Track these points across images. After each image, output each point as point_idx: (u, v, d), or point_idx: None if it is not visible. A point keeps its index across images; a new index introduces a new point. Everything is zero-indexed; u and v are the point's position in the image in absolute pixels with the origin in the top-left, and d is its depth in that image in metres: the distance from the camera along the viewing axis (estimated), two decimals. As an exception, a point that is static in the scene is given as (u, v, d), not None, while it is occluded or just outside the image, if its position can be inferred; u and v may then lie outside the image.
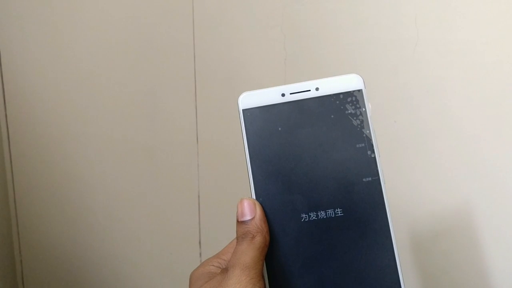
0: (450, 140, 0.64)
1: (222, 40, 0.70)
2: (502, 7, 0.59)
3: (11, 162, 0.78)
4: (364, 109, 0.33)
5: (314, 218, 0.32)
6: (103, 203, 0.79)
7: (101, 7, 0.72)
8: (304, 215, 0.32)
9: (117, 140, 0.76)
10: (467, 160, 0.63)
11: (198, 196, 0.76)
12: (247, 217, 0.32)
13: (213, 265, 0.34)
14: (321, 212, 0.32)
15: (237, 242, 0.32)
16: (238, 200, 0.33)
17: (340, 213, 0.32)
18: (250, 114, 0.34)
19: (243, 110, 0.34)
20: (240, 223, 0.32)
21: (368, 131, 0.33)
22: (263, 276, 0.31)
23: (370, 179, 0.32)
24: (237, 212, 0.32)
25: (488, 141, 0.62)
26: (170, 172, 0.76)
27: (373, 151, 0.33)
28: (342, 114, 0.33)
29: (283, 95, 0.34)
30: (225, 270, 0.31)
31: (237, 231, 0.33)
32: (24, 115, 0.77)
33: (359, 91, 0.33)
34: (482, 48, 0.60)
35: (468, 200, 0.64)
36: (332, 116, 0.33)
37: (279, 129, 0.33)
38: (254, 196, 0.33)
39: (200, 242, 0.78)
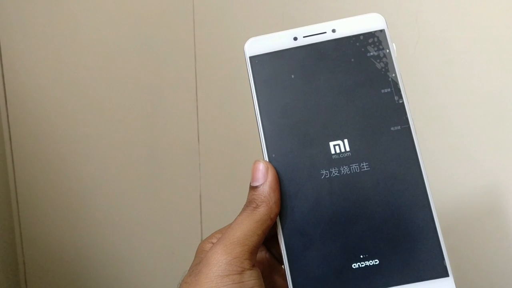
0: (449, 138, 0.63)
1: (223, 38, 0.70)
2: (504, 5, 0.58)
3: (13, 163, 0.78)
4: (388, 51, 0.29)
5: (336, 174, 0.28)
6: (104, 203, 0.79)
7: (102, 7, 0.72)
8: (324, 172, 0.28)
9: (118, 140, 0.76)
10: (465, 160, 0.63)
11: (200, 196, 0.76)
12: (258, 182, 0.28)
13: (212, 242, 0.30)
14: (344, 167, 0.28)
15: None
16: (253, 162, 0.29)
17: (366, 168, 0.28)
18: (259, 61, 0.31)
19: (250, 57, 0.31)
20: (250, 188, 0.28)
21: (393, 75, 0.29)
22: (257, 251, 0.28)
23: (399, 127, 0.29)
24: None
25: (487, 140, 0.62)
26: (172, 172, 0.76)
27: (400, 97, 0.29)
28: (363, 57, 0.29)
29: (295, 38, 0.30)
30: (212, 248, 0.28)
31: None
32: (26, 116, 0.77)
33: (381, 31, 0.30)
34: (483, 46, 0.60)
35: (465, 201, 0.64)
36: (352, 60, 0.29)
37: (292, 76, 0.30)
38: (266, 154, 0.29)
39: (202, 242, 0.78)
